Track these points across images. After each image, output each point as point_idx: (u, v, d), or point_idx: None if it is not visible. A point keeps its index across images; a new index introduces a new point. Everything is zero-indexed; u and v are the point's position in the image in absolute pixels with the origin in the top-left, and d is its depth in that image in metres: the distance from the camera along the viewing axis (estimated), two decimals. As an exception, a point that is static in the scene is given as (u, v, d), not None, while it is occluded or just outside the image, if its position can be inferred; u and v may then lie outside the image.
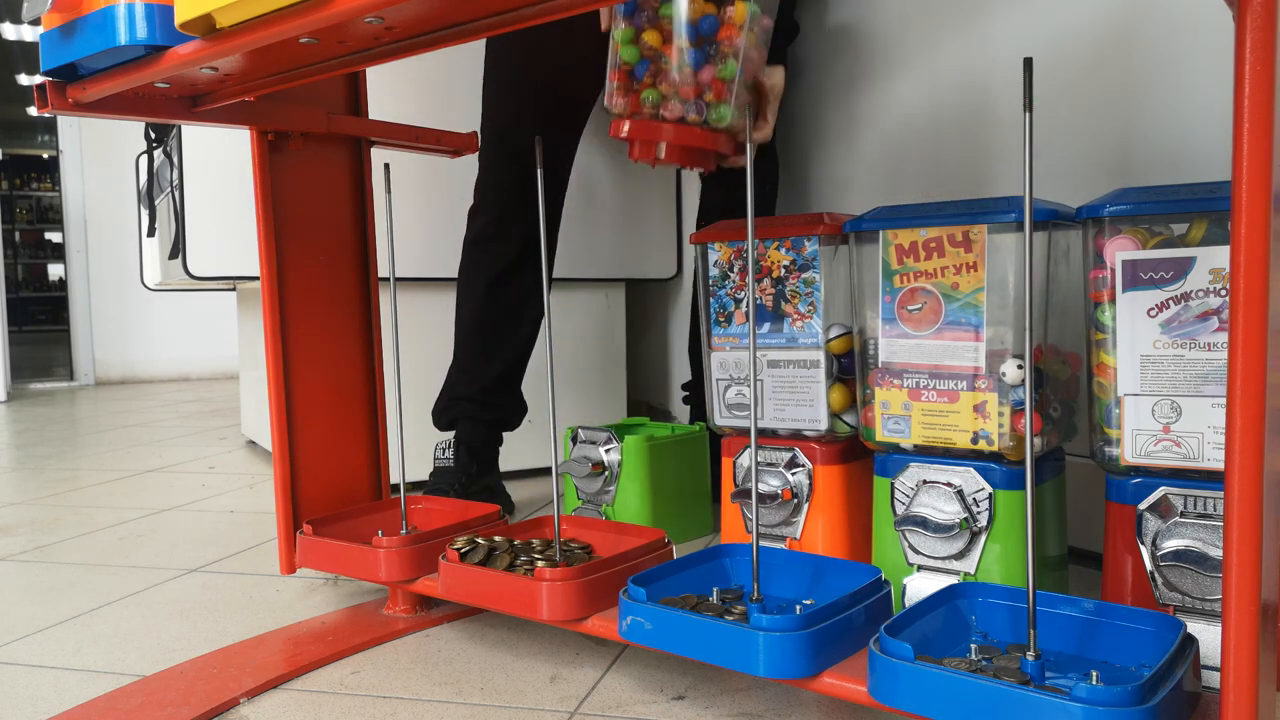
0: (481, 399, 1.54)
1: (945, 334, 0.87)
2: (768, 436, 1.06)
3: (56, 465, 2.28)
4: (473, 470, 1.53)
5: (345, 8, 0.65)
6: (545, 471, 1.91)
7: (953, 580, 0.87)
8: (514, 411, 1.60)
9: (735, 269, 1.06)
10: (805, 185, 1.72)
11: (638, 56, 1.11)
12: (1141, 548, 0.79)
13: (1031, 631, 0.66)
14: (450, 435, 1.57)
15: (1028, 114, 0.62)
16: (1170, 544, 0.76)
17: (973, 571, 0.87)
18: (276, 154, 1.12)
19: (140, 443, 2.62)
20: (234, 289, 2.60)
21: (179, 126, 1.83)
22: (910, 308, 0.89)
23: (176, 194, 1.89)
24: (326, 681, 0.94)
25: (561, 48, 1.43)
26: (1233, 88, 0.50)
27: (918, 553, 0.89)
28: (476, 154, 1.37)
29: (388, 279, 1.12)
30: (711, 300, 1.08)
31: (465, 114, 1.53)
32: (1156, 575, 0.78)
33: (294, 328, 1.15)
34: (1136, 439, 0.78)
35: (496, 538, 1.02)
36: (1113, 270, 0.79)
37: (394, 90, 1.55)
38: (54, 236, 10.09)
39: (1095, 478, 0.86)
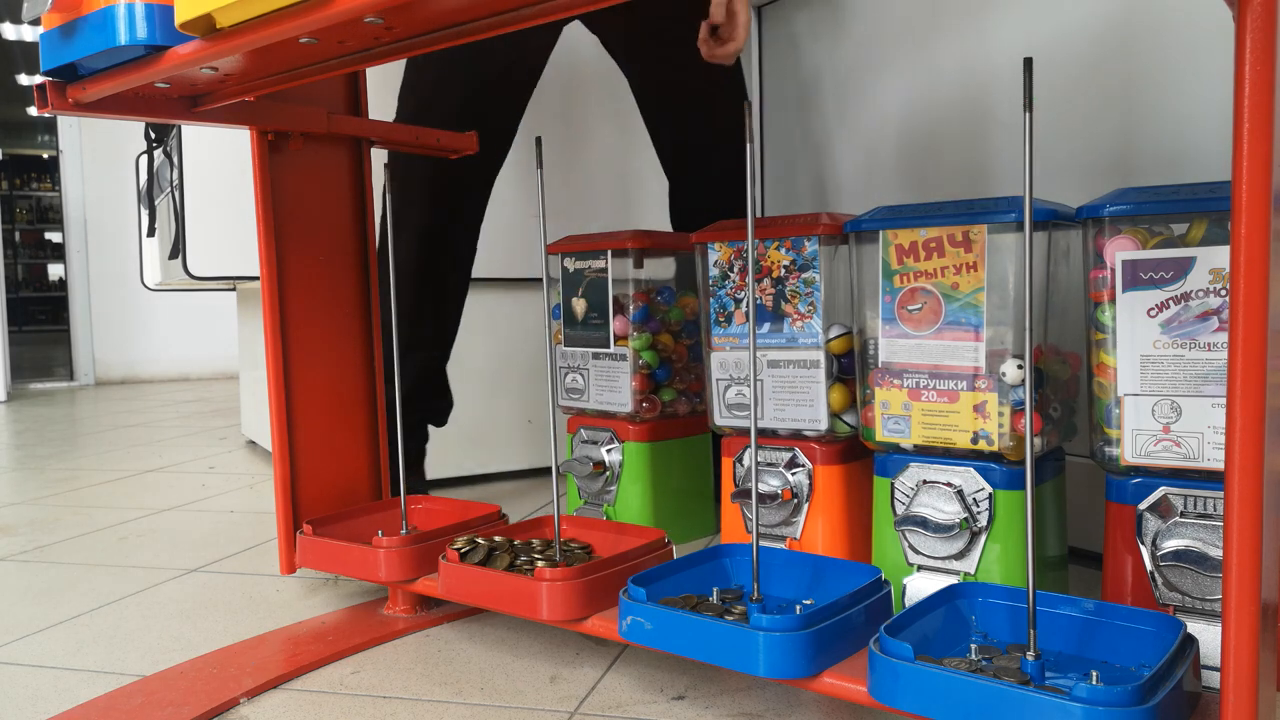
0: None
1: (945, 334, 0.87)
2: (768, 436, 1.05)
3: (56, 465, 2.28)
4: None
5: (345, 8, 0.65)
6: (545, 471, 1.91)
7: (953, 580, 0.87)
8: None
9: (735, 269, 1.06)
10: (805, 185, 1.72)
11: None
12: (1141, 548, 0.79)
13: (1031, 631, 0.66)
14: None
15: (1028, 114, 0.62)
16: (1170, 544, 0.76)
17: (973, 571, 0.87)
18: (276, 154, 1.12)
19: (140, 443, 2.62)
20: (234, 289, 2.60)
21: (179, 126, 1.83)
22: (910, 308, 0.89)
23: (176, 194, 1.89)
24: (326, 681, 0.94)
25: (475, 72, 1.41)
26: (1233, 88, 0.50)
27: (918, 553, 0.89)
28: (473, 155, 1.36)
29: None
30: (711, 300, 1.08)
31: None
32: (1156, 575, 0.78)
33: (294, 328, 1.15)
34: (1136, 439, 0.78)
35: (496, 538, 1.02)
36: (1113, 270, 0.79)
37: (394, 90, 1.55)
38: (54, 236, 10.09)
39: (1095, 478, 0.86)
